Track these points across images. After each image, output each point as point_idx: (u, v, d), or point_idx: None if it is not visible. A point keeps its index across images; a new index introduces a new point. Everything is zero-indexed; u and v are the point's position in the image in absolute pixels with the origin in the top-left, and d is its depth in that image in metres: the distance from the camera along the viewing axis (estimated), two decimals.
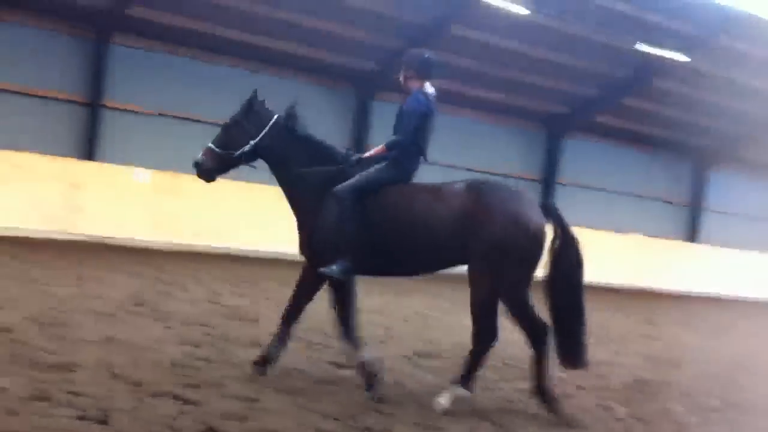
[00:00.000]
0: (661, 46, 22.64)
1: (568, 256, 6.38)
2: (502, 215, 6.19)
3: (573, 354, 6.35)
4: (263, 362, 6.67)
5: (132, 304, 9.34)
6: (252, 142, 6.79)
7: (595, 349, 10.31)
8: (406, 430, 5.62)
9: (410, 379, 7.26)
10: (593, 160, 27.10)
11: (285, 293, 11.73)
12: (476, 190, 6.38)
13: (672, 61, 23.29)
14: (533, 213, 6.27)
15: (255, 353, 7.41)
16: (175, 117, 19.83)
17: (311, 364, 7.34)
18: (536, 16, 21.18)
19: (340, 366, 7.33)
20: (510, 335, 10.27)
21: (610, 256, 22.78)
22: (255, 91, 6.99)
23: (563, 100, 25.65)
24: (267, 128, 6.82)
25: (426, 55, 6.86)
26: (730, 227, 29.42)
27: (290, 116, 6.89)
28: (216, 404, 5.55)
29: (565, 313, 6.33)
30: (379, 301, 12.21)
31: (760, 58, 23.59)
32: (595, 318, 14.32)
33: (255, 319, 9.33)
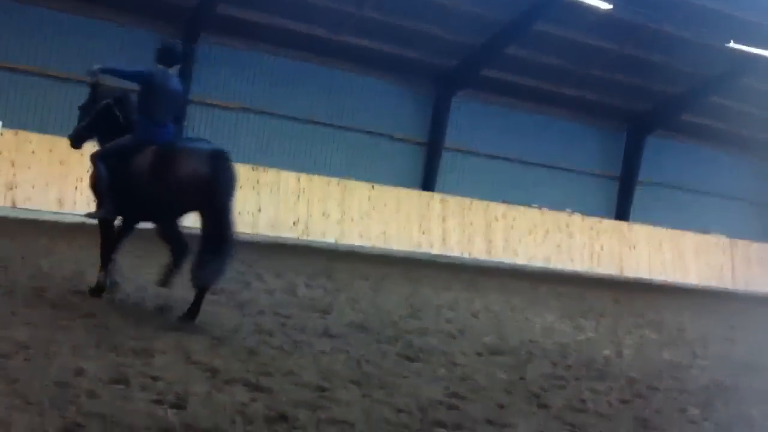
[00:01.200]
0: (753, 44, 22.03)
1: (217, 199, 7.74)
2: (170, 167, 7.78)
3: (208, 273, 7.76)
4: (99, 290, 8.34)
5: (210, 293, 9.55)
6: (88, 120, 8.69)
7: (673, 351, 10.16)
8: (477, 425, 5.61)
9: (480, 374, 7.24)
10: (676, 159, 26.48)
11: (357, 285, 11.96)
12: (163, 148, 7.96)
13: (764, 58, 22.63)
14: (191, 164, 7.74)
15: (327, 343, 7.53)
16: (256, 112, 20.18)
17: (382, 356, 7.38)
18: (620, 11, 20.84)
19: (411, 359, 7.37)
20: (584, 336, 10.18)
21: (692, 257, 22.27)
22: (96, 81, 8.64)
23: (647, 97, 25.15)
24: (97, 110, 8.63)
25: (163, 46, 8.49)
26: None
27: (117, 101, 8.57)
28: (288, 392, 5.64)
29: (210, 240, 7.74)
30: (451, 296, 12.21)
31: None
32: (674, 319, 14.07)
33: (328, 311, 9.44)
